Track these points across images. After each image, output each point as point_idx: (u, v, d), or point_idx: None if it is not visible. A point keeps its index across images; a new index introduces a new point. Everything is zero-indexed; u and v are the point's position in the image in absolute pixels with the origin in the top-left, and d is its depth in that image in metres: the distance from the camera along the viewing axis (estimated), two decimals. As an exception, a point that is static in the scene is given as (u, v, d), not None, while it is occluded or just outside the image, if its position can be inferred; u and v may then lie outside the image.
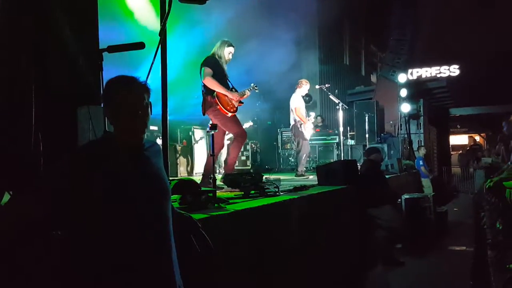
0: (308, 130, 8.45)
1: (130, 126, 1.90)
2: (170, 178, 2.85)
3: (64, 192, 1.77)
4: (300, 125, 8.42)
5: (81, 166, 1.81)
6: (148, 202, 1.89)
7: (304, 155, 8.51)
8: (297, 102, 8.49)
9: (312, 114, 9.03)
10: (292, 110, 8.55)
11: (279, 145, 12.16)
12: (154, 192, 1.94)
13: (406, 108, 14.05)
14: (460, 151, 22.93)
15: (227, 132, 6.06)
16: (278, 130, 12.22)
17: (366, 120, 11.65)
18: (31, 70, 3.02)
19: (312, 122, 8.88)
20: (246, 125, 9.39)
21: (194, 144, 9.88)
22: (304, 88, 8.61)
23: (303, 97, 8.87)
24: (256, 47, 9.78)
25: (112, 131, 1.96)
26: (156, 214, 1.92)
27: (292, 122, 8.61)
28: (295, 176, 8.37)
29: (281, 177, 6.95)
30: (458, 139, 31.09)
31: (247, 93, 6.05)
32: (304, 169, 8.63)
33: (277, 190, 4.75)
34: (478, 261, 4.79)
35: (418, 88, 16.77)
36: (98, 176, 1.79)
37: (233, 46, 5.98)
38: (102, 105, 1.97)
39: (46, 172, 2.44)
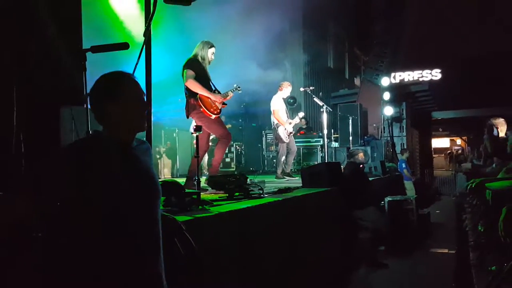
0: (286, 132, 8.41)
1: (142, 117, 1.98)
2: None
3: (50, 192, 1.75)
4: (278, 127, 8.42)
5: (69, 165, 1.78)
6: (137, 202, 1.86)
7: (283, 157, 8.52)
8: (276, 104, 8.48)
9: (301, 114, 8.95)
10: (271, 112, 8.56)
11: (264, 147, 12.16)
12: (143, 192, 1.91)
13: (389, 111, 14.17)
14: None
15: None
16: (263, 132, 12.21)
17: (350, 122, 11.72)
18: (14, 69, 2.98)
19: (297, 123, 8.84)
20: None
21: (178, 145, 9.83)
22: (285, 90, 8.58)
23: (286, 99, 8.86)
24: (240, 49, 9.76)
25: (101, 130, 1.93)
26: (146, 214, 1.90)
27: (273, 125, 8.62)
28: (275, 178, 8.37)
29: (266, 179, 6.95)
30: (440, 142, 31.50)
31: (230, 94, 6.03)
32: (289, 170, 8.64)
33: (261, 192, 4.75)
34: (460, 263, 4.84)
35: (401, 92, 16.94)
36: (87, 175, 1.76)
37: (214, 46, 5.96)
38: (99, 102, 1.92)
39: (31, 171, 2.40)
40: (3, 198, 1.89)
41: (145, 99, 2.03)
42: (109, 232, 1.79)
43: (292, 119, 8.58)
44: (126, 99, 1.91)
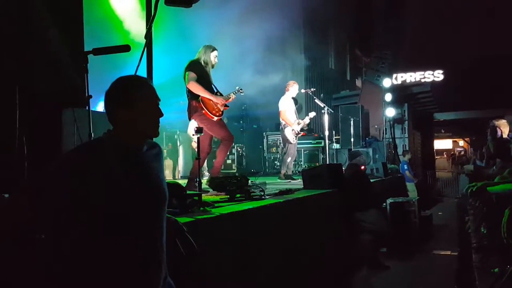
0: (294, 133, 8.40)
1: (154, 124, 1.95)
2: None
3: (52, 194, 1.74)
4: (285, 128, 8.41)
5: (70, 168, 1.77)
6: (141, 206, 1.85)
7: (289, 158, 8.50)
8: (283, 105, 8.47)
9: (312, 114, 8.87)
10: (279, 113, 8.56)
11: (265, 148, 12.15)
12: (148, 196, 1.90)
13: (390, 112, 14.14)
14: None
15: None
16: (264, 133, 12.20)
17: (351, 124, 11.70)
18: (15, 70, 2.98)
19: (307, 123, 8.80)
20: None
21: (179, 147, 9.83)
22: (292, 90, 8.56)
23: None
24: (241, 50, 9.77)
25: (112, 130, 1.92)
26: (150, 218, 1.89)
27: (281, 125, 8.61)
28: (278, 179, 8.36)
29: (267, 180, 6.95)
30: (443, 144, 31.46)
31: (232, 96, 6.03)
32: (291, 173, 8.63)
33: (262, 193, 4.75)
34: (462, 266, 4.83)
35: (402, 93, 16.90)
36: (88, 178, 1.75)
37: (216, 49, 5.96)
38: (112, 105, 1.89)
39: (38, 174, 2.39)
40: (6, 200, 1.89)
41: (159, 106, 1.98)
42: (111, 235, 1.78)
43: (302, 119, 8.56)
44: (139, 105, 1.89)
